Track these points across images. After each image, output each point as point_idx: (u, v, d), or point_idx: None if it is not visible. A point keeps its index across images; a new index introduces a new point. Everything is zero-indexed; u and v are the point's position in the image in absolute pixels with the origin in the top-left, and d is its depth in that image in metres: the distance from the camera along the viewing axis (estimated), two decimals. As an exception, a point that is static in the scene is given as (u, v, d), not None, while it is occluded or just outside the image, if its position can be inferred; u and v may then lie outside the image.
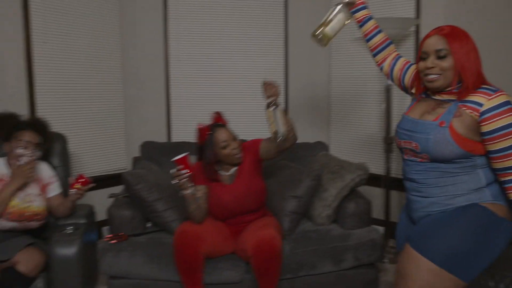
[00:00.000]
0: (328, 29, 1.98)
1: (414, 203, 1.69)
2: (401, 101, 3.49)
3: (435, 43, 1.59)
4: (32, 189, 2.29)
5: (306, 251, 2.40)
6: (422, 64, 1.63)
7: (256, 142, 2.42)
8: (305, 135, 3.81)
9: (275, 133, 2.06)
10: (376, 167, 3.61)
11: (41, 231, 2.39)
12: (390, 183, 3.32)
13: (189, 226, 2.25)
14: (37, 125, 2.35)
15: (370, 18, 1.96)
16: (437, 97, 1.64)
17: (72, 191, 2.28)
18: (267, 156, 2.39)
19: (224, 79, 3.76)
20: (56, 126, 3.03)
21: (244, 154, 2.39)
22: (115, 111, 3.62)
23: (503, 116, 1.48)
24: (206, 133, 2.33)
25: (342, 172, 2.66)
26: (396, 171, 3.54)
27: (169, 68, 3.71)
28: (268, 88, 2.16)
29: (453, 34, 1.58)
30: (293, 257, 2.38)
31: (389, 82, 3.15)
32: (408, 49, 3.44)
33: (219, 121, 2.41)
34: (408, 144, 1.65)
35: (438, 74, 1.58)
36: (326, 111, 3.94)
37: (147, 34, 3.67)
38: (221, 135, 2.32)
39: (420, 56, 1.65)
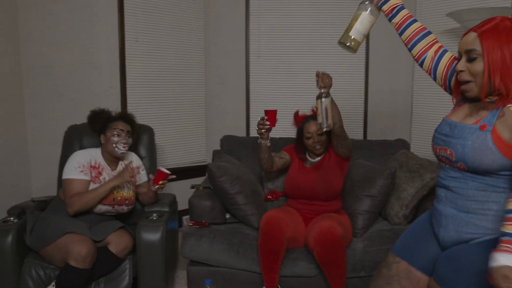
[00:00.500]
0: (355, 34, 1.79)
1: (445, 218, 1.40)
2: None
3: (467, 42, 1.33)
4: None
5: (381, 249, 2.38)
6: (456, 66, 1.39)
7: None
8: (385, 133, 3.75)
9: (320, 125, 2.09)
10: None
11: (129, 216, 2.61)
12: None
13: (275, 212, 2.37)
14: (126, 117, 2.58)
15: (401, 8, 1.68)
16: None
17: (155, 187, 2.44)
18: (338, 153, 2.51)
19: (303, 76, 3.79)
20: (143, 119, 3.27)
21: (330, 150, 2.56)
22: (198, 105, 3.81)
23: None
24: (300, 121, 2.60)
25: (422, 171, 2.59)
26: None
27: (249, 64, 3.81)
28: (322, 78, 2.17)
29: (492, 30, 1.28)
30: (367, 255, 2.37)
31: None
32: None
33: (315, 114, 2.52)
34: (443, 151, 1.41)
35: (469, 81, 1.33)
36: (408, 107, 3.82)
37: (229, 31, 3.80)
38: (309, 127, 2.52)
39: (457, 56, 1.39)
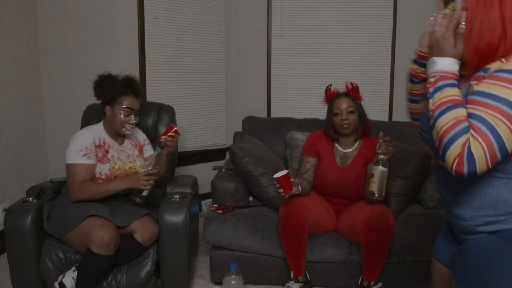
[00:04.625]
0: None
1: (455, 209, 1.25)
2: None
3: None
4: (133, 151, 2.37)
5: (414, 234, 2.25)
6: None
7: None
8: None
9: (372, 193, 1.97)
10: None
11: (151, 197, 2.49)
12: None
13: (295, 197, 2.22)
14: (136, 91, 2.37)
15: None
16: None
17: (163, 138, 2.23)
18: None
19: (326, 56, 3.65)
20: (162, 99, 3.17)
21: (368, 145, 2.32)
22: (218, 86, 3.69)
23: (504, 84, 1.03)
24: (331, 97, 2.37)
25: (458, 153, 2.44)
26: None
27: (270, 44, 3.68)
28: (385, 145, 2.01)
29: None
30: (400, 240, 2.24)
31: None
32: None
33: (350, 92, 2.37)
34: (425, 147, 1.27)
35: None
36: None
37: (251, 9, 3.66)
38: (338, 102, 2.31)
39: None
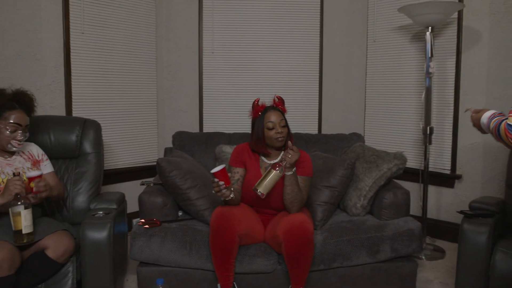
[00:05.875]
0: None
1: None
2: (442, 90, 3.35)
3: None
4: (23, 164, 2.25)
5: (340, 241, 2.31)
6: None
7: (310, 166, 2.35)
8: (340, 127, 3.75)
9: (255, 188, 2.06)
10: (414, 161, 3.48)
11: (70, 216, 2.39)
12: (428, 177, 3.18)
13: (226, 208, 2.21)
14: (25, 104, 2.25)
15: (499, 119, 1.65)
16: None
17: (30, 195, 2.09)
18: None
19: (257, 71, 3.73)
20: (89, 116, 3.08)
21: (298, 164, 2.29)
22: (149, 102, 3.64)
23: None
24: (260, 110, 2.35)
25: (378, 162, 2.56)
26: (434, 165, 3.40)
27: (202, 60, 3.70)
28: (288, 152, 2.11)
29: None
30: (326, 247, 2.29)
31: (432, 69, 3.03)
32: (450, 39, 3.29)
33: (277, 105, 2.39)
34: None
35: None
36: (362, 102, 3.83)
37: (182, 27, 3.68)
38: (271, 116, 2.31)
39: None
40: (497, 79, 3.11)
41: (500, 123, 1.52)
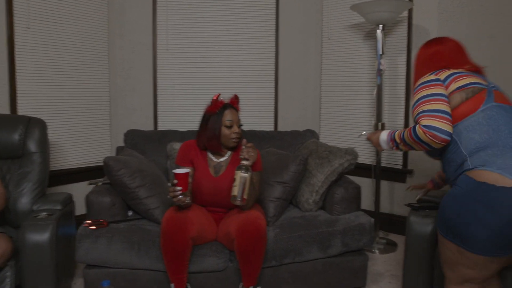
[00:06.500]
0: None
1: None
2: (393, 87, 3.42)
3: None
4: None
5: (292, 236, 2.30)
6: None
7: (260, 161, 2.33)
8: (296, 124, 3.76)
9: (233, 197, 2.02)
10: (367, 157, 3.53)
11: (12, 219, 2.27)
12: (380, 173, 3.24)
13: (178, 210, 2.15)
14: None
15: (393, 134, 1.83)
16: None
17: None
18: None
19: (213, 68, 3.68)
20: (37, 113, 2.95)
21: (238, 152, 2.31)
22: (101, 100, 3.53)
23: (413, 98, 1.74)
24: (219, 106, 2.28)
25: (330, 157, 2.57)
26: (387, 160, 3.46)
27: (156, 58, 3.63)
28: (247, 150, 2.09)
29: None
30: (278, 243, 2.28)
31: (382, 66, 3.08)
32: (401, 37, 3.36)
33: (233, 104, 2.35)
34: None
35: None
36: (317, 99, 3.86)
37: (136, 23, 3.59)
38: (230, 115, 2.28)
39: None
40: (445, 76, 3.19)
41: (411, 129, 1.63)
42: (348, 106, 3.67)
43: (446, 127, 1.56)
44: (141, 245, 2.22)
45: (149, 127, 3.66)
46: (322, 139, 3.79)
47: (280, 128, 3.79)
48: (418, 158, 3.33)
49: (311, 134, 3.12)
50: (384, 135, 1.86)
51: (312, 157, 2.66)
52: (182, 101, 3.67)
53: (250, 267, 2.10)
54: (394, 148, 1.81)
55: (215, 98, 2.33)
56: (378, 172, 3.21)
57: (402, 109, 3.37)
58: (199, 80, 3.68)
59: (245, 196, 2.01)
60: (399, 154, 3.41)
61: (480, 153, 1.54)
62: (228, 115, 2.27)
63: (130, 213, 2.54)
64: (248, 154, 2.07)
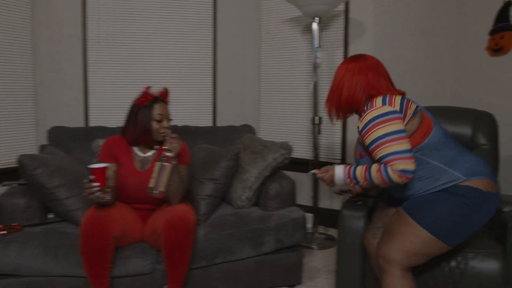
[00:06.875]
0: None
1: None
2: (331, 81, 3.40)
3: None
4: None
5: (222, 235, 2.21)
6: None
7: (188, 154, 2.23)
8: (236, 119, 3.67)
9: (150, 189, 1.89)
10: (307, 152, 3.50)
11: None
12: (318, 167, 3.20)
13: (99, 209, 2.00)
14: None
15: (354, 170, 1.75)
16: None
17: None
18: None
19: (148, 62, 3.52)
20: None
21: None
22: (24, 97, 3.28)
23: (370, 132, 1.65)
24: (149, 100, 2.15)
25: (265, 152, 2.50)
26: (326, 155, 3.44)
27: (87, 51, 3.42)
28: (170, 141, 1.97)
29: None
30: (208, 242, 2.18)
31: (318, 60, 3.04)
32: (338, 31, 3.34)
33: (164, 97, 2.22)
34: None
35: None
36: (256, 94, 3.79)
37: (64, 14, 3.36)
38: (160, 108, 2.15)
39: None
40: (380, 70, 3.20)
41: (382, 172, 1.61)
42: (286, 101, 3.63)
43: (414, 165, 1.60)
44: (59, 249, 2.05)
45: (80, 123, 3.45)
46: (262, 134, 3.73)
47: (219, 124, 3.69)
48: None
49: (248, 129, 3.03)
50: (340, 173, 1.78)
51: (246, 152, 2.57)
52: (115, 96, 3.48)
53: (176, 265, 1.99)
54: (353, 184, 1.76)
55: (145, 90, 2.20)
56: (316, 167, 3.17)
57: (340, 103, 3.36)
58: (134, 74, 3.51)
59: (161, 189, 1.89)
60: (337, 147, 3.40)
61: (460, 164, 1.68)
62: (158, 109, 2.15)
63: (50, 215, 2.35)
64: (170, 145, 1.95)
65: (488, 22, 2.89)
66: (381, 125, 1.62)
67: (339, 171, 1.78)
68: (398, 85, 3.13)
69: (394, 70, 3.20)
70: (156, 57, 3.54)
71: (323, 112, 3.37)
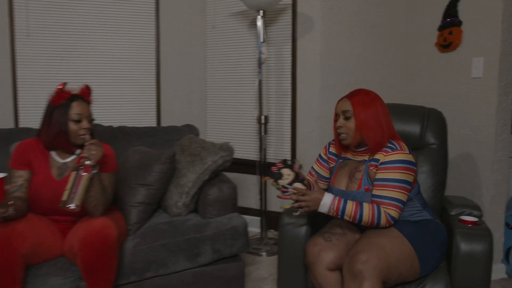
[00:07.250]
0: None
1: None
2: (279, 78, 3.25)
3: (343, 105, 1.77)
4: None
5: (153, 246, 2.00)
6: (336, 124, 1.81)
7: (114, 161, 2.01)
8: (182, 119, 3.47)
9: (63, 202, 1.67)
10: (252, 152, 3.34)
11: None
12: (266, 169, 3.05)
13: (4, 224, 1.75)
14: None
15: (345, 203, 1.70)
16: (354, 158, 1.83)
17: None
18: None
19: (83, 59, 3.26)
20: None
21: (100, 159, 1.89)
22: None
23: (392, 170, 1.67)
24: (65, 98, 1.91)
25: (203, 154, 2.31)
26: (275, 155, 3.30)
27: (15, 44, 3.12)
28: (88, 148, 1.75)
29: (358, 98, 1.74)
30: (137, 255, 1.97)
31: (263, 55, 2.89)
32: (285, 26, 3.19)
33: (84, 95, 1.98)
34: None
35: (345, 133, 1.76)
36: (203, 92, 3.59)
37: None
38: (79, 107, 1.91)
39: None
40: (329, 67, 3.09)
41: (376, 216, 1.65)
42: (234, 99, 3.45)
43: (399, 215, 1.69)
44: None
45: (9, 124, 3.15)
46: (209, 134, 3.55)
47: (164, 124, 3.47)
48: (306, 151, 3.19)
49: (190, 129, 2.83)
50: (327, 201, 1.69)
51: (183, 155, 2.38)
52: (47, 94, 3.20)
53: (98, 285, 1.77)
54: (334, 215, 1.69)
55: (60, 87, 1.96)
56: (263, 169, 3.01)
57: (288, 101, 3.22)
58: (68, 70, 3.24)
59: (77, 203, 1.66)
60: (287, 147, 3.25)
61: (428, 207, 1.86)
62: (76, 108, 1.91)
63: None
64: (89, 152, 1.73)
65: (437, 18, 2.82)
66: (405, 171, 1.68)
67: (328, 199, 1.69)
68: (348, 81, 3.03)
69: (344, 66, 3.10)
70: (93, 52, 3.28)
71: (272, 110, 3.22)
